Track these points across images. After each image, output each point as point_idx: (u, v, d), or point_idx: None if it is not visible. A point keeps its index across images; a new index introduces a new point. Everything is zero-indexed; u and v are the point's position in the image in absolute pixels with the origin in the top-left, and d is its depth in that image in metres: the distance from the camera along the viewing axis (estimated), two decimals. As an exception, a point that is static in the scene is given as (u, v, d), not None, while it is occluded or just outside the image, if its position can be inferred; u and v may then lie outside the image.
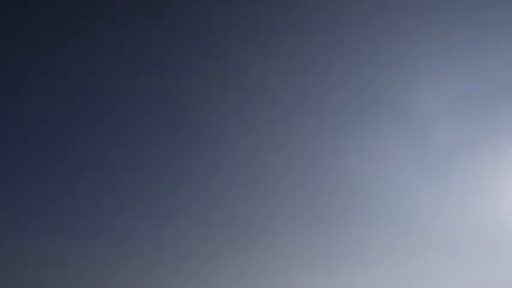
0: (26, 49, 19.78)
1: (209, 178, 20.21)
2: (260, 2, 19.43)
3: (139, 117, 20.60)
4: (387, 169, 19.62)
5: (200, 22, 19.70)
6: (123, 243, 19.61)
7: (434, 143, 19.19)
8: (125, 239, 19.72)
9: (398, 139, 19.49)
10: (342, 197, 19.72)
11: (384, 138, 19.56)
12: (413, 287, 17.52)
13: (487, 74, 18.72)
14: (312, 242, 19.20)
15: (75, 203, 20.23)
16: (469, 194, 18.67)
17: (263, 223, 19.53)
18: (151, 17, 19.74)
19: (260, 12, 19.34)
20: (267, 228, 19.51)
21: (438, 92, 19.21)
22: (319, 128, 19.93)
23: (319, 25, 19.56)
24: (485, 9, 18.64)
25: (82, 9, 19.12)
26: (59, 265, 18.87)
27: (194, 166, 20.38)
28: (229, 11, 19.46)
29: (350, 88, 19.74)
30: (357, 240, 19.09)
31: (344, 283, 18.22)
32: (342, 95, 19.81)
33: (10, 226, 19.06)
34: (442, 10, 18.97)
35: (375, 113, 19.72)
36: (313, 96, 19.92)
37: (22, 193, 19.90)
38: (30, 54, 19.78)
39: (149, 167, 20.59)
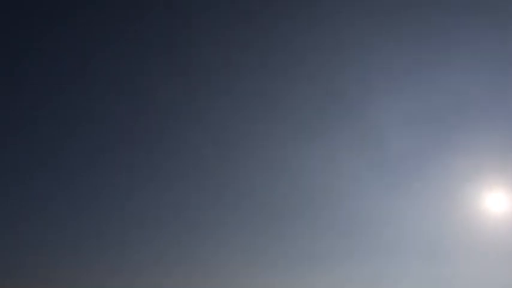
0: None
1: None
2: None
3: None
4: (343, 175, 20.49)
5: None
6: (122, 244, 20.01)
7: (388, 152, 20.21)
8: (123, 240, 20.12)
9: (354, 147, 20.40)
10: (298, 201, 20.58)
11: (341, 146, 20.44)
12: None
13: (443, 88, 19.84)
14: (266, 243, 19.92)
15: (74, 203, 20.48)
16: (419, 200, 19.80)
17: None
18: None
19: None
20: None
21: (394, 104, 20.22)
22: (280, 134, 20.71)
23: (283, 33, 20.00)
24: (445, 26, 19.37)
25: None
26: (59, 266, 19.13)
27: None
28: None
29: (311, 96, 20.40)
30: (310, 242, 19.91)
31: (297, 284, 19.04)
32: (303, 103, 20.54)
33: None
34: (403, 22, 19.52)
35: (334, 121, 20.67)
36: (277, 104, 20.70)
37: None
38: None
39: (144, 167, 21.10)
